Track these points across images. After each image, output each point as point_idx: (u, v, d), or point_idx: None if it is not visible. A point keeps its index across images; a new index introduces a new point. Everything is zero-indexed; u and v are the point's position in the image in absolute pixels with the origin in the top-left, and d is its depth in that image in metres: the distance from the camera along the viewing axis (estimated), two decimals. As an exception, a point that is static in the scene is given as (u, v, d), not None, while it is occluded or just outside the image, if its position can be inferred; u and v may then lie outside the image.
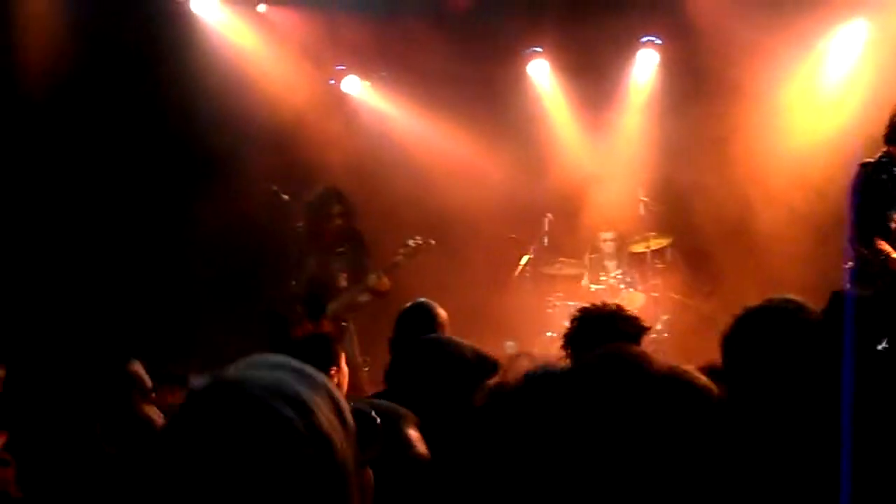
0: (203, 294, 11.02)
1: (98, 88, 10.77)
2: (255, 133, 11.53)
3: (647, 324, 4.47)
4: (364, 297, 9.70)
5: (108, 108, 10.85)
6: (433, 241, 9.86)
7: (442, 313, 5.51)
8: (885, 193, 7.55)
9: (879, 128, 7.78)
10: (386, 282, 9.57)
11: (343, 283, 9.77)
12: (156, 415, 4.01)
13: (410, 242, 9.70)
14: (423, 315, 5.45)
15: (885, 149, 7.69)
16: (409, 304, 5.72)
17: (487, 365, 3.42)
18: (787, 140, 11.30)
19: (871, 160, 7.71)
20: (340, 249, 9.83)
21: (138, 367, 4.30)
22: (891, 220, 7.59)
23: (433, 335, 4.56)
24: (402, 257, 9.64)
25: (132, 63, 10.91)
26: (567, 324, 4.52)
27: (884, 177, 7.55)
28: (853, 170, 7.82)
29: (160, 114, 11.14)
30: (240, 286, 10.91)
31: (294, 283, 9.76)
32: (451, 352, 3.50)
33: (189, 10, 11.67)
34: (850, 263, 7.83)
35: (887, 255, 7.52)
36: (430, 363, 3.45)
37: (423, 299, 5.75)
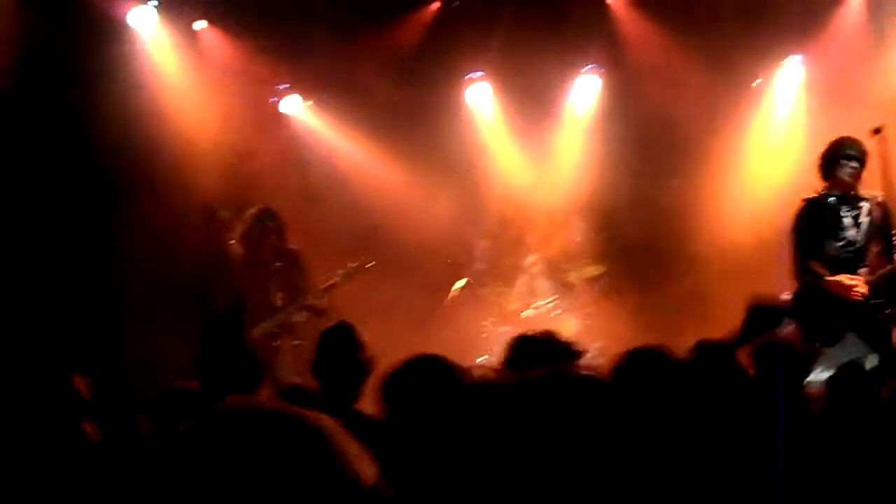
0: (138, 309, 10.86)
1: (29, 103, 10.62)
2: (193, 150, 11.42)
3: (580, 349, 4.53)
4: (300, 317, 9.70)
5: (40, 123, 10.68)
6: (372, 263, 9.90)
7: (360, 336, 5.45)
8: (822, 225, 8.26)
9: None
10: (324, 301, 9.58)
11: (278, 301, 9.76)
12: (91, 429, 3.99)
13: (349, 264, 9.75)
14: (345, 337, 5.37)
15: (824, 184, 8.17)
16: (329, 326, 5.61)
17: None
18: (724, 173, 11.49)
19: (812, 196, 8.23)
20: (276, 268, 9.83)
21: (79, 381, 4.27)
22: (829, 249, 8.19)
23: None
24: (340, 278, 9.67)
25: (66, 77, 10.76)
26: (500, 349, 4.57)
27: (824, 212, 8.31)
28: (795, 205, 8.30)
29: (96, 129, 11.00)
30: (176, 303, 10.79)
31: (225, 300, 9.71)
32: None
33: (126, 25, 11.53)
34: (787, 296, 8.20)
35: (822, 276, 7.95)
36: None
37: (343, 321, 5.66)
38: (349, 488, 1.52)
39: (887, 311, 8.04)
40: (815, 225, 8.38)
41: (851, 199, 8.42)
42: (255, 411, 1.56)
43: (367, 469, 1.57)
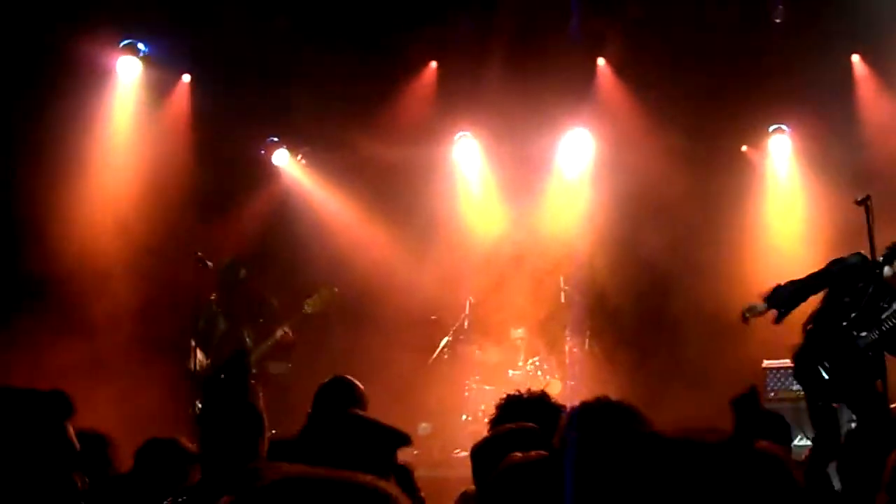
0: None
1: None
2: (182, 201, 11.46)
3: (563, 409, 4.51)
4: (278, 368, 9.87)
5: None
6: (336, 289, 10.02)
7: (361, 389, 5.39)
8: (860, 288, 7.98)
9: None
10: (290, 334, 9.79)
11: (250, 344, 9.88)
12: (80, 480, 3.96)
13: (315, 295, 9.91)
14: (344, 390, 5.30)
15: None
16: (329, 379, 5.51)
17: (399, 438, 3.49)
18: (711, 238, 11.58)
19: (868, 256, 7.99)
20: (248, 314, 9.98)
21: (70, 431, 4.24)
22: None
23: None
24: (308, 307, 9.81)
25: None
26: (483, 407, 4.58)
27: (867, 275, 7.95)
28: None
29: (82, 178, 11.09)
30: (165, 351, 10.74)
31: (204, 351, 9.92)
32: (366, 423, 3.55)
33: (112, 74, 11.60)
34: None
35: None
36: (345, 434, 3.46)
37: (342, 375, 5.62)
38: None
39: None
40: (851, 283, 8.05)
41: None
42: (318, 480, 1.50)
43: None
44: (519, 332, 11.32)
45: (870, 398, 7.72)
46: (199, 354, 9.85)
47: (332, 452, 3.29)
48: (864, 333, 7.91)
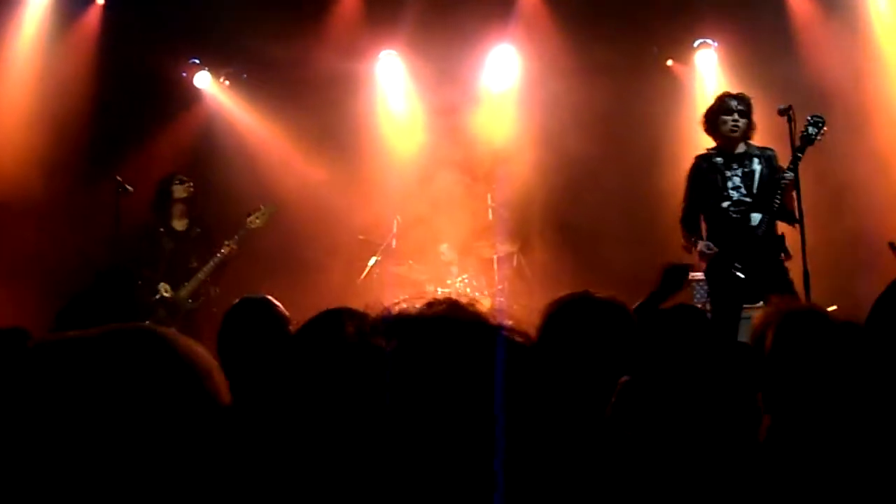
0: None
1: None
2: (103, 124, 11.23)
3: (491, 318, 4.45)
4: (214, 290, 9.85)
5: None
6: (276, 205, 10.25)
7: (282, 309, 5.14)
8: (709, 185, 8.27)
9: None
10: (236, 248, 9.90)
11: (194, 263, 9.79)
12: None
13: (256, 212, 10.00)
14: (263, 308, 5.07)
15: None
16: (246, 298, 5.16)
17: None
18: (637, 150, 11.59)
19: (702, 153, 8.47)
20: (190, 233, 9.88)
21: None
22: (716, 209, 8.21)
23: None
24: (252, 223, 9.88)
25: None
26: None
27: (703, 165, 8.36)
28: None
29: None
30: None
31: (150, 270, 9.88)
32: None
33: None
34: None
35: (689, 243, 8.31)
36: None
37: (264, 296, 5.36)
38: (207, 405, 1.47)
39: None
40: (701, 184, 8.35)
41: (739, 157, 8.31)
42: (107, 333, 1.46)
43: (222, 386, 1.53)
44: (444, 248, 11.30)
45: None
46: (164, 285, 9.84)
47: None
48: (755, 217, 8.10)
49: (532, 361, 1.50)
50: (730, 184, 8.20)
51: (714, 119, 8.41)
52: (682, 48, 12.25)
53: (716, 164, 8.30)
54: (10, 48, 11.20)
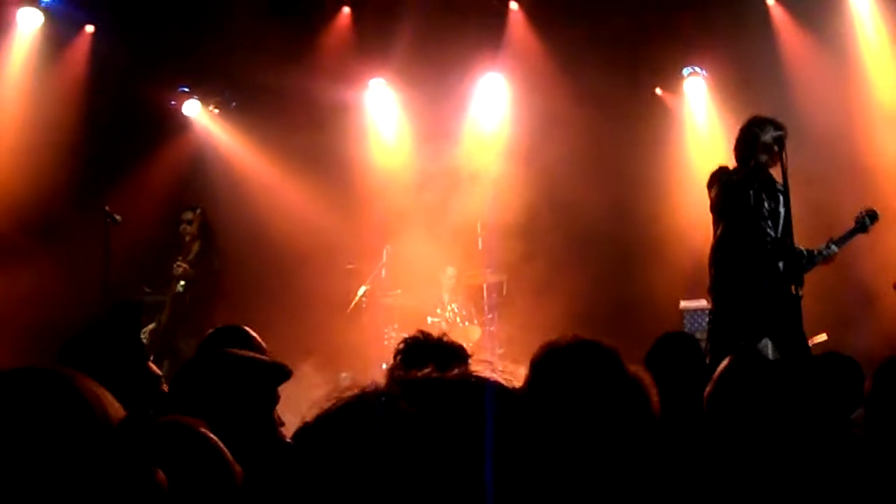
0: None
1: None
2: (86, 155, 11.21)
3: (470, 352, 4.43)
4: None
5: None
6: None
7: (256, 338, 5.03)
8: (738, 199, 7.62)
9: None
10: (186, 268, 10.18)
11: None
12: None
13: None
14: (234, 337, 4.90)
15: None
16: (221, 327, 4.99)
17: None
18: (628, 180, 11.58)
19: (730, 167, 7.80)
20: (191, 258, 10.17)
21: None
22: (754, 221, 7.64)
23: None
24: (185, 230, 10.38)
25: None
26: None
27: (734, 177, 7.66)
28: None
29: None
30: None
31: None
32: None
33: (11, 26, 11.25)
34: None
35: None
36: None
37: (235, 325, 5.23)
38: (97, 427, 1.54)
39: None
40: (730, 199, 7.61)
41: (769, 188, 7.69)
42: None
43: (115, 408, 1.60)
44: (450, 271, 11.36)
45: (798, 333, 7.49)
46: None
47: (206, 393, 3.15)
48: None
49: (521, 412, 1.47)
50: (763, 211, 7.64)
51: (751, 144, 7.62)
52: (671, 77, 12.27)
53: (748, 183, 7.59)
54: (2, 79, 11.17)
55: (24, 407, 1.53)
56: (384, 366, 10.49)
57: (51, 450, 1.50)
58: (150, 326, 10.05)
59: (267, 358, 3.58)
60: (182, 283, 10.08)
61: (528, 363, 3.54)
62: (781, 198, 7.71)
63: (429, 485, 1.33)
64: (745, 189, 7.62)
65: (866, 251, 9.25)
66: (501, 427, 1.38)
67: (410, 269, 11.40)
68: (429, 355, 4.20)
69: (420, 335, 4.25)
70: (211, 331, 4.97)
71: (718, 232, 7.79)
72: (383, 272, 11.39)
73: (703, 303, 10.13)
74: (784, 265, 7.66)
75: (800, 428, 3.80)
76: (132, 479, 1.56)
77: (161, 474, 1.64)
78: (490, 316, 11.13)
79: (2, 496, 1.45)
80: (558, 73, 11.80)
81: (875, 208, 8.04)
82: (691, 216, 9.67)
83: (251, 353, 3.53)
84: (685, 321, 10.50)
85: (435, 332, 4.46)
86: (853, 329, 9.72)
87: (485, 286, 11.26)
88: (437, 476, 1.33)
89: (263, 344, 4.91)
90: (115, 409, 1.61)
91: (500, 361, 10.46)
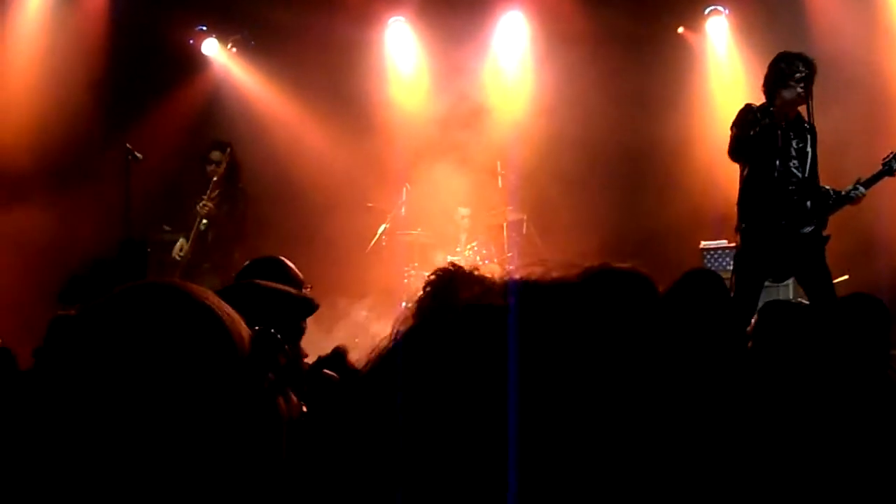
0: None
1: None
2: (106, 94, 11.20)
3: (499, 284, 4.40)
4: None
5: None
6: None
7: (294, 269, 5.06)
8: (763, 136, 7.57)
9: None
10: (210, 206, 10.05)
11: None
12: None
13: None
14: (272, 268, 4.95)
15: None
16: (258, 258, 5.09)
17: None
18: (655, 119, 11.49)
19: (756, 104, 7.73)
20: (215, 196, 10.05)
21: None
22: (778, 159, 7.59)
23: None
24: (214, 172, 10.09)
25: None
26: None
27: (764, 119, 7.59)
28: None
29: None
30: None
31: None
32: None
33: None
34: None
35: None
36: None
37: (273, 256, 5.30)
38: (232, 353, 1.47)
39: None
40: (756, 135, 7.51)
41: (798, 128, 7.68)
42: (137, 288, 1.48)
43: (244, 332, 1.52)
44: (463, 211, 11.30)
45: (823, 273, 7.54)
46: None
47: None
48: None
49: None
50: (790, 150, 7.62)
51: (778, 81, 7.59)
52: (692, 15, 12.16)
53: (776, 124, 7.56)
54: (16, 19, 11.15)
55: (158, 327, 1.43)
56: (404, 304, 10.55)
57: (187, 373, 1.41)
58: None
59: (294, 291, 3.59)
60: (205, 221, 10.07)
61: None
62: (809, 137, 7.69)
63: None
64: (773, 128, 7.57)
65: (891, 192, 9.18)
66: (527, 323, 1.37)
67: (430, 207, 11.40)
68: (459, 287, 4.19)
69: (452, 267, 4.22)
70: (248, 262, 4.98)
71: (745, 172, 7.75)
72: (403, 210, 11.39)
73: (723, 242, 10.15)
74: (811, 205, 7.65)
75: (836, 371, 3.80)
76: (262, 405, 1.49)
77: (282, 403, 1.57)
78: (510, 254, 11.12)
79: (133, 422, 1.37)
80: (579, 11, 11.69)
81: None
82: (714, 156, 9.61)
83: (279, 286, 3.54)
84: (705, 260, 10.48)
85: (465, 265, 4.42)
86: (875, 269, 9.67)
87: (505, 225, 11.25)
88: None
89: (300, 275, 4.95)
90: (246, 330, 1.53)
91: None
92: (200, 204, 10.00)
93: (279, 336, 1.56)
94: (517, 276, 1.45)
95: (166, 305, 1.45)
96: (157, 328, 1.42)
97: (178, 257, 10.03)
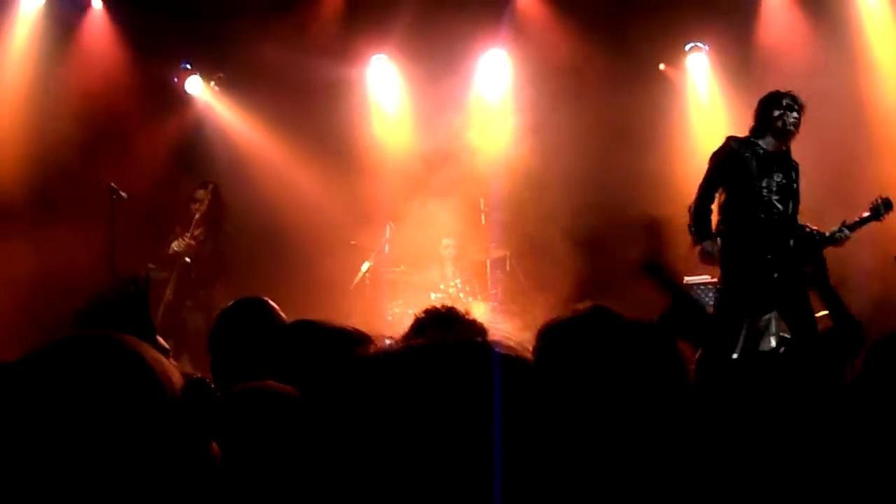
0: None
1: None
2: (96, 133, 11.20)
3: (486, 327, 4.41)
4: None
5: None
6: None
7: (277, 310, 5.03)
8: (743, 168, 7.56)
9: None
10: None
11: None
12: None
13: None
14: (260, 310, 4.92)
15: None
16: (242, 299, 4.84)
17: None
18: (633, 154, 11.55)
19: (740, 136, 7.71)
20: (198, 234, 10.20)
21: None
22: (759, 192, 7.53)
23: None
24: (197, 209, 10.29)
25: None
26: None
27: (747, 154, 7.57)
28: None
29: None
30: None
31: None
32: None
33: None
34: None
35: (695, 230, 7.69)
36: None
37: (258, 297, 5.24)
38: (160, 397, 1.54)
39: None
40: (736, 170, 7.51)
41: (782, 162, 7.64)
42: (67, 339, 1.57)
43: (177, 377, 1.61)
44: (447, 242, 11.39)
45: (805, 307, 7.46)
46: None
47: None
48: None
49: (532, 381, 1.50)
50: (772, 184, 7.55)
51: (764, 116, 7.62)
52: (673, 51, 12.26)
53: (759, 153, 7.56)
54: (3, 51, 11.17)
55: (90, 376, 1.51)
56: (388, 341, 10.52)
57: (118, 420, 1.49)
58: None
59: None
60: (187, 258, 10.08)
61: (534, 336, 3.50)
62: (793, 173, 7.73)
63: (435, 446, 1.36)
64: (753, 160, 7.61)
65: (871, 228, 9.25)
66: (510, 391, 1.40)
67: (414, 245, 11.40)
68: (443, 327, 4.20)
69: (439, 308, 4.23)
70: (231, 302, 4.96)
71: (724, 199, 7.74)
72: (387, 248, 11.39)
73: (706, 277, 10.17)
74: (794, 243, 7.65)
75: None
76: (190, 451, 1.57)
77: (216, 447, 1.66)
78: (494, 291, 11.13)
79: (66, 468, 1.45)
80: (561, 48, 11.79)
81: (890, 197, 8.02)
82: (694, 190, 9.66)
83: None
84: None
85: (452, 307, 4.42)
86: (854, 303, 9.72)
87: (488, 262, 11.27)
88: (442, 437, 1.36)
89: (284, 316, 4.93)
90: (178, 378, 1.61)
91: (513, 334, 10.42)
92: (180, 240, 10.04)
93: (210, 384, 1.64)
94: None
95: (99, 355, 1.54)
96: (89, 376, 1.51)
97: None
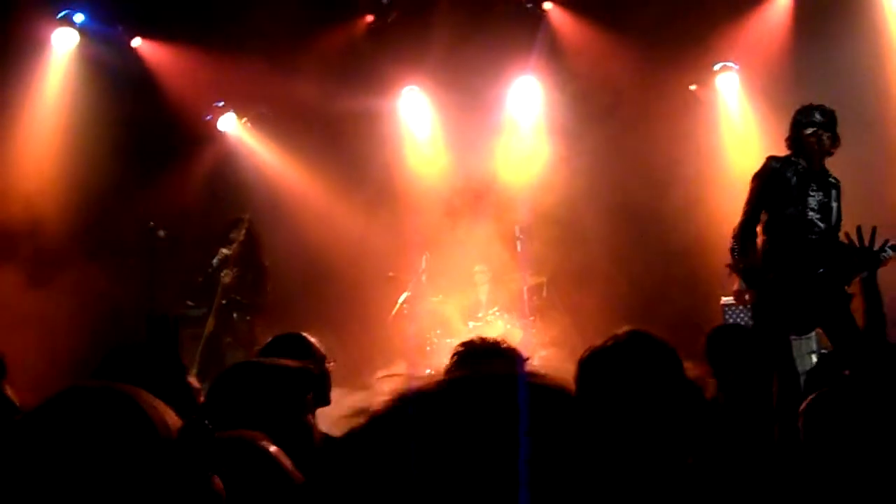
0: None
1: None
2: (133, 172, 11.31)
3: (526, 355, 4.43)
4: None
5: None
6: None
7: (316, 344, 5.06)
8: (785, 186, 7.49)
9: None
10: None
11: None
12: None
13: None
14: (299, 345, 4.86)
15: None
16: (280, 335, 5.04)
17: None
18: (668, 179, 11.53)
19: (779, 155, 7.62)
20: (236, 270, 10.21)
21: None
22: (801, 211, 7.47)
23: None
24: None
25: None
26: (446, 361, 4.39)
27: (788, 173, 7.51)
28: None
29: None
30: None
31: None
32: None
33: (49, 42, 11.42)
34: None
35: (738, 251, 7.57)
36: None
37: (296, 332, 5.07)
38: (158, 441, 1.66)
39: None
40: (779, 188, 7.44)
41: (820, 179, 7.54)
42: (73, 389, 1.72)
43: (173, 420, 1.74)
44: (479, 269, 11.46)
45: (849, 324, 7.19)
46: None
47: (238, 403, 3.22)
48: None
49: (568, 411, 1.46)
50: (811, 202, 7.50)
51: (796, 132, 7.54)
52: (703, 72, 12.24)
53: (800, 171, 7.49)
54: (38, 91, 11.31)
55: (87, 425, 1.63)
56: (427, 371, 10.53)
57: (115, 466, 1.60)
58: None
59: (293, 363, 3.60)
60: (223, 300, 10.15)
61: (573, 364, 3.47)
62: (834, 191, 7.66)
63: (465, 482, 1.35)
64: (794, 179, 7.54)
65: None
66: (542, 424, 1.38)
67: (450, 274, 11.42)
68: (485, 359, 4.22)
69: (477, 340, 4.25)
70: (270, 339, 5.01)
71: (767, 220, 7.65)
72: (423, 278, 11.41)
73: (730, 299, 10.08)
74: (836, 259, 7.52)
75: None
76: (192, 488, 1.68)
77: (219, 482, 1.78)
78: (531, 318, 11.11)
79: None
80: (591, 72, 11.80)
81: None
82: (728, 210, 9.61)
83: (281, 361, 3.55)
84: (726, 316, 10.45)
85: (490, 337, 4.43)
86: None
87: (525, 289, 11.25)
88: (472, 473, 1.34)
89: (322, 350, 4.96)
90: (174, 420, 1.73)
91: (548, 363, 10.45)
92: (222, 274, 10.10)
93: (204, 427, 1.75)
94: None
95: (95, 404, 1.68)
96: (86, 424, 1.64)
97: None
